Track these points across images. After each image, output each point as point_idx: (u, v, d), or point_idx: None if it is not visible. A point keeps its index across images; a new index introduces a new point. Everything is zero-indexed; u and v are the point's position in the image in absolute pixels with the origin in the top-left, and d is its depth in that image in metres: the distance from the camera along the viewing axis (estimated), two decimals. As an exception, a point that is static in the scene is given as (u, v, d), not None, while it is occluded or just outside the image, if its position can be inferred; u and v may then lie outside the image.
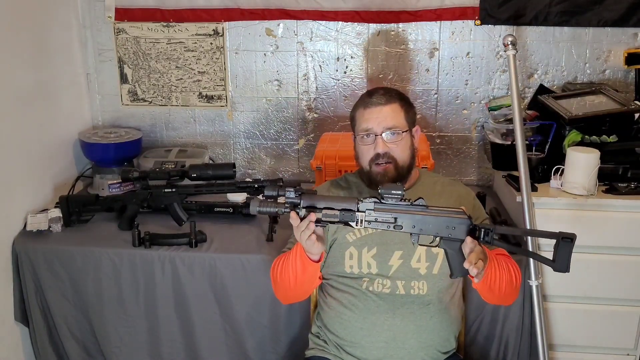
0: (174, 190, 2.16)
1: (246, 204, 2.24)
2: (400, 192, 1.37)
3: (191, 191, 2.18)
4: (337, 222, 1.37)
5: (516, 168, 1.92)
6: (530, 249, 1.87)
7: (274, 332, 2.02)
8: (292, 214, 1.37)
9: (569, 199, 1.96)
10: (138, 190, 2.18)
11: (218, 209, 2.24)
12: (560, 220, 1.96)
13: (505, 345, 1.97)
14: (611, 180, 2.03)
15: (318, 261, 1.50)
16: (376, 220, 1.37)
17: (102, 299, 2.05)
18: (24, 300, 2.11)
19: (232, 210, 2.23)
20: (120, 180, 2.27)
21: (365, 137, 1.60)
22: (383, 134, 1.58)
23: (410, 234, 1.38)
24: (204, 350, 2.07)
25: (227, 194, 2.27)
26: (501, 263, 1.52)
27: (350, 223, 1.37)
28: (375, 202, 1.37)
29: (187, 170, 2.13)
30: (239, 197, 2.30)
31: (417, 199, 1.39)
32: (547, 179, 2.05)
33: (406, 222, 1.37)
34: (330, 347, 1.65)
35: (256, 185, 2.17)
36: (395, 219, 1.37)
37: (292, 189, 1.37)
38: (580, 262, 1.97)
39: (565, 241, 1.33)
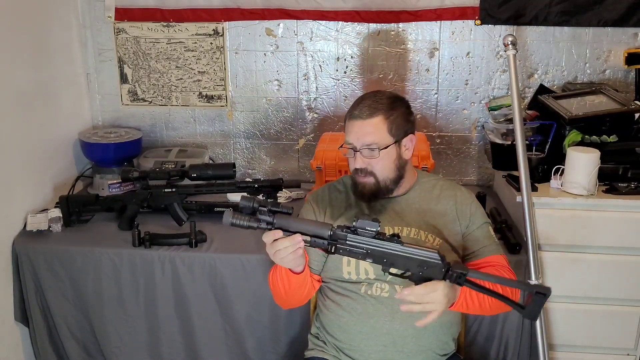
0: (174, 190, 2.16)
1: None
2: (374, 229, 1.34)
3: (191, 191, 2.18)
4: (309, 246, 1.35)
5: (516, 168, 1.92)
6: (531, 251, 1.87)
7: (274, 332, 2.02)
8: (270, 233, 1.34)
9: (569, 199, 1.96)
10: (138, 190, 2.18)
11: (218, 209, 2.24)
12: (560, 220, 1.96)
13: (505, 346, 1.97)
14: (611, 180, 2.03)
15: (301, 272, 1.50)
16: (347, 251, 1.35)
17: (102, 299, 2.05)
18: (24, 300, 2.11)
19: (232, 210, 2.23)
20: (120, 180, 2.27)
21: (346, 148, 1.59)
22: (361, 150, 1.55)
23: (382, 266, 1.37)
24: (204, 350, 2.07)
25: (227, 194, 2.27)
26: (478, 296, 1.50)
27: (321, 248, 1.36)
28: (348, 233, 1.35)
29: (187, 170, 2.13)
30: (239, 197, 2.29)
31: (393, 236, 1.36)
32: (547, 179, 2.05)
33: (377, 257, 1.36)
34: (329, 348, 1.65)
35: (256, 185, 2.17)
36: (368, 251, 1.35)
37: (266, 208, 1.34)
38: (580, 262, 1.97)
39: (539, 295, 1.34)
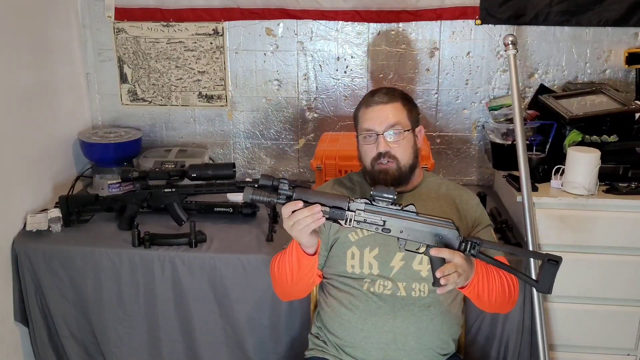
0: (173, 190, 2.16)
1: (245, 203, 2.24)
2: (392, 195, 1.36)
3: (191, 191, 2.18)
4: (327, 218, 1.36)
5: (517, 168, 1.92)
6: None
7: (274, 332, 2.02)
8: (290, 204, 1.35)
9: (569, 198, 1.96)
10: (138, 190, 2.17)
11: (218, 209, 2.24)
12: (560, 220, 1.96)
13: (505, 346, 1.97)
14: (612, 180, 2.02)
15: (313, 254, 1.50)
16: (365, 221, 1.37)
17: (102, 299, 2.05)
18: (24, 300, 2.10)
19: (232, 210, 2.23)
20: (120, 180, 2.26)
21: (367, 136, 1.60)
22: (385, 133, 1.57)
23: (398, 238, 1.39)
24: (204, 351, 2.07)
25: (227, 194, 2.27)
26: (493, 274, 1.51)
27: (339, 221, 1.37)
28: (366, 203, 1.37)
29: (187, 170, 2.13)
30: (239, 197, 2.30)
31: (408, 205, 1.38)
32: (548, 179, 2.05)
33: (394, 227, 1.37)
34: (329, 347, 1.65)
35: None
36: (384, 222, 1.37)
37: (286, 181, 1.36)
38: (580, 262, 1.97)
39: (550, 263, 1.35)
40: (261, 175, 1.38)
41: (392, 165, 1.59)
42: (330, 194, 1.41)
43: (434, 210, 1.63)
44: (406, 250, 1.39)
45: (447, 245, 1.37)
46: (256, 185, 1.39)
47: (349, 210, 1.36)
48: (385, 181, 1.60)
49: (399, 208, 1.38)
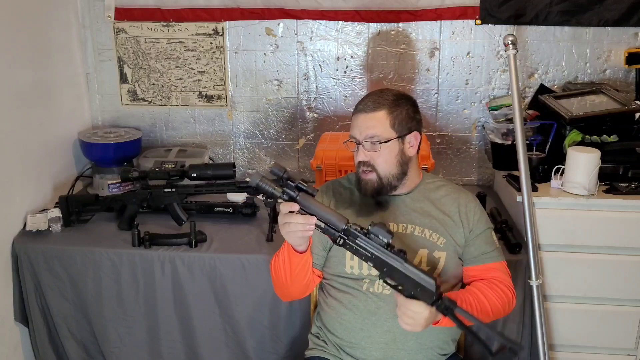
0: (173, 190, 2.16)
1: (246, 204, 2.24)
2: (387, 240, 1.37)
3: (191, 191, 2.18)
4: (321, 231, 1.38)
5: (517, 168, 1.92)
6: (531, 252, 1.87)
7: (274, 332, 2.02)
8: (288, 204, 1.37)
9: (569, 199, 1.96)
10: (138, 190, 2.17)
11: (218, 209, 2.24)
12: (560, 220, 1.96)
13: (505, 346, 1.97)
14: (612, 180, 2.03)
15: (303, 252, 1.51)
16: (354, 249, 1.38)
17: (102, 299, 2.05)
18: (24, 300, 2.10)
19: (232, 210, 2.23)
20: (120, 180, 2.26)
21: (351, 143, 1.61)
22: (363, 143, 1.57)
23: (380, 273, 1.40)
24: (204, 351, 2.07)
25: (227, 194, 2.27)
26: (476, 307, 1.51)
27: (331, 238, 1.39)
28: (361, 233, 1.38)
29: (187, 170, 2.13)
30: (239, 197, 2.30)
31: (400, 251, 1.38)
32: (548, 179, 2.05)
33: (379, 263, 1.38)
34: (330, 347, 1.65)
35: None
36: (372, 256, 1.38)
37: (294, 183, 1.37)
38: (580, 262, 1.97)
39: (510, 351, 1.34)
40: (274, 163, 1.39)
41: (372, 176, 1.59)
42: (332, 211, 1.41)
43: (431, 215, 1.63)
44: (385, 282, 1.40)
45: (422, 296, 1.36)
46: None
47: (343, 232, 1.37)
48: (366, 191, 1.60)
49: (390, 251, 1.38)
